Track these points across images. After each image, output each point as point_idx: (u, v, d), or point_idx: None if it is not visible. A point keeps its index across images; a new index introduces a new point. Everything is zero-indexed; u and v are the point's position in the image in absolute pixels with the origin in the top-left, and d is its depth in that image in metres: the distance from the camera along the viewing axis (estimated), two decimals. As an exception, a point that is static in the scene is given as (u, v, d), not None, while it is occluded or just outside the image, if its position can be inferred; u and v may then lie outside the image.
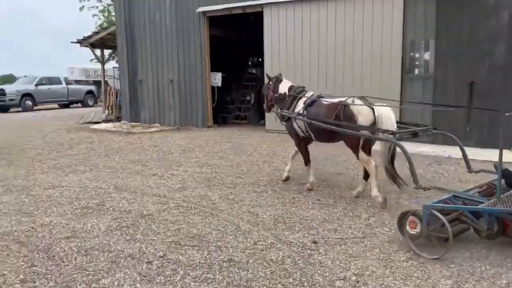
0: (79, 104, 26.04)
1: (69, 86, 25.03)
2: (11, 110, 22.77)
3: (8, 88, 22.51)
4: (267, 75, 7.08)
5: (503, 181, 4.15)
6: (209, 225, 4.70)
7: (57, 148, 10.02)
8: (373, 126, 5.12)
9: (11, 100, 22.04)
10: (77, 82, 26.95)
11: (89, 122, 15.74)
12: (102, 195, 5.95)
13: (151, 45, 14.50)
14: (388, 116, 5.12)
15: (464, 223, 4.00)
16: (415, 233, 3.91)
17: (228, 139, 10.95)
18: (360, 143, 5.22)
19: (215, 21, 13.49)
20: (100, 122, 15.81)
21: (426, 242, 3.90)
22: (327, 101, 5.61)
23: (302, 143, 6.17)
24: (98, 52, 19.55)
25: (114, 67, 17.60)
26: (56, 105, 25.30)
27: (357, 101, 5.29)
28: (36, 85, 23.15)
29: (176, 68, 14.05)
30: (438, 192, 4.81)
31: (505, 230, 3.91)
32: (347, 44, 10.77)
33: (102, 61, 19.57)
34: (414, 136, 5.13)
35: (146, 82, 14.84)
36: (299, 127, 5.96)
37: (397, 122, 5.30)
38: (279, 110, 6.24)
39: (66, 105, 25.52)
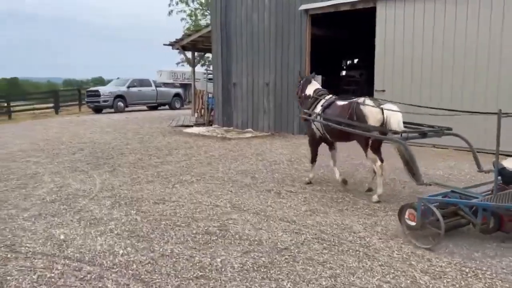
0: (167, 106, 26.30)
1: (158, 88, 25.33)
2: (104, 111, 23.45)
3: (102, 89, 23.17)
4: (300, 74, 7.61)
5: (502, 179, 4.36)
6: (371, 273, 3.57)
7: (157, 153, 9.52)
8: (382, 126, 5.35)
9: (104, 101, 22.65)
10: (165, 84, 27.29)
11: (181, 126, 15.40)
12: (221, 215, 5.08)
13: (247, 46, 13.77)
14: (395, 117, 5.32)
15: (462, 218, 4.25)
16: (412, 224, 4.24)
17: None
18: (369, 142, 5.54)
19: (316, 20, 12.40)
20: (192, 126, 15.41)
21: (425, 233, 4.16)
22: (341, 103, 5.99)
23: (315, 143, 6.65)
24: (188, 55, 19.33)
25: (206, 69, 17.13)
26: (145, 107, 25.77)
27: (368, 102, 5.55)
28: (128, 87, 23.63)
29: (272, 70, 13.18)
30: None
31: (502, 225, 4.18)
32: (483, 47, 9.10)
33: (193, 63, 19.36)
34: (423, 137, 5.25)
35: (240, 85, 14.15)
36: (317, 128, 6.40)
37: (410, 124, 5.56)
38: (304, 112, 6.56)
39: (154, 107, 25.89)
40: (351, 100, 5.79)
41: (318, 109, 6.30)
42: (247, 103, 14.00)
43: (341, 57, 18.28)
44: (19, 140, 11.73)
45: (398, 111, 5.37)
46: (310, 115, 6.42)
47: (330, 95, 6.46)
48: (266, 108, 13.47)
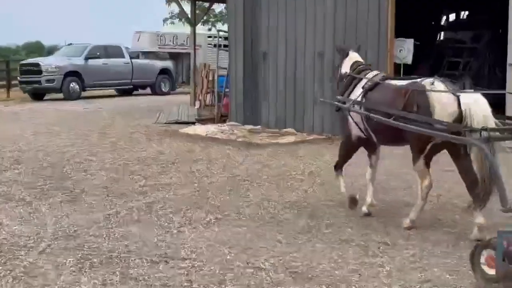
0: (148, 90, 26.12)
1: (134, 61, 25.13)
2: (48, 96, 23.38)
3: (45, 62, 23.09)
4: (336, 47, 8.30)
5: None
6: None
7: (142, 170, 9.20)
8: (458, 124, 5.53)
9: (48, 81, 22.52)
10: (146, 55, 27.12)
11: (176, 122, 15.12)
12: (272, 289, 4.65)
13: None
14: (479, 109, 5.41)
15: None
16: (491, 274, 4.31)
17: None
18: (428, 147, 5.83)
19: None
20: (193, 123, 15.11)
21: None
22: (394, 84, 6.29)
23: (351, 146, 6.92)
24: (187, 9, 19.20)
25: (218, 30, 16.92)
26: (113, 91, 25.62)
27: (439, 83, 5.78)
28: (86, 59, 23.49)
29: (329, 33, 12.81)
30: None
31: None
32: None
33: (194, 20, 19.09)
34: None
35: (275, 57, 13.80)
36: (356, 122, 6.55)
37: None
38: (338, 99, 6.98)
39: (128, 91, 25.69)
40: (411, 81, 6.15)
41: (358, 93, 6.58)
42: (286, 87, 13.71)
43: (438, 10, 17.83)
44: None
45: (484, 101, 5.50)
46: (344, 103, 6.73)
47: (376, 72, 6.81)
48: (317, 96, 13.02)
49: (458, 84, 6.18)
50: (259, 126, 13.97)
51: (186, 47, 26.98)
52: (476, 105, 5.44)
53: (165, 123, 15.16)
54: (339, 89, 7.15)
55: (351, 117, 6.60)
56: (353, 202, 6.76)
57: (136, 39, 27.38)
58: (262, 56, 14.07)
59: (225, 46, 17.59)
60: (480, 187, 5.44)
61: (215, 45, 27.81)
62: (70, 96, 22.65)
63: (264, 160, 10.00)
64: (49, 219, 6.52)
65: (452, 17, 17.52)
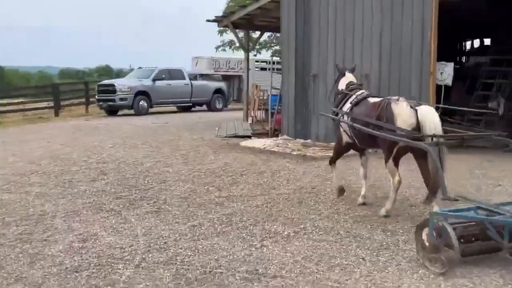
0: (204, 107, 25.59)
1: (193, 82, 24.64)
2: (120, 112, 22.99)
3: (119, 83, 22.69)
4: (336, 66, 8.30)
5: None
6: None
7: (215, 181, 8.53)
8: (415, 131, 5.95)
9: (122, 99, 22.13)
10: (203, 77, 26.63)
11: (235, 136, 14.43)
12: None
13: (335, 18, 12.66)
14: (431, 120, 5.90)
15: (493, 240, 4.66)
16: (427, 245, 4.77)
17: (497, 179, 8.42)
18: (394, 150, 6.19)
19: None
20: (249, 137, 14.41)
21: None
22: (373, 100, 6.69)
23: (342, 149, 7.41)
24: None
25: (272, 55, 16.19)
26: (174, 107, 25.17)
27: (402, 101, 6.24)
28: (154, 80, 23.04)
29: (375, 55, 11.99)
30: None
31: None
32: None
33: (247, 47, 18.49)
34: (462, 142, 6.24)
35: (324, 78, 13.00)
36: (344, 130, 7.06)
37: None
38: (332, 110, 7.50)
39: (187, 108, 25.22)
40: (383, 98, 6.63)
41: (347, 106, 7.04)
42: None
43: (461, 36, 16.93)
44: (12, 156, 11.09)
45: (435, 113, 6.08)
46: (337, 115, 7.18)
47: (362, 91, 7.20)
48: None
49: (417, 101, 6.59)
50: (310, 140, 13.19)
51: (236, 70, 26.46)
52: (429, 116, 5.97)
53: (225, 137, 14.48)
54: (335, 102, 7.57)
55: (341, 125, 7.13)
56: (341, 191, 7.34)
57: (194, 64, 26.91)
58: (312, 77, 13.28)
59: (277, 69, 16.95)
60: (431, 181, 5.87)
61: (261, 69, 27.38)
62: (140, 112, 22.21)
63: (323, 172, 9.20)
64: (139, 230, 5.91)
65: (486, 41, 16.73)
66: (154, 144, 12.95)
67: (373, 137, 6.29)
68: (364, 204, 6.98)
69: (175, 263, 4.87)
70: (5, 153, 11.53)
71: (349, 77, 7.59)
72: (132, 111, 22.42)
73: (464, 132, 6.43)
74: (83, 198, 7.39)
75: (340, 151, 7.53)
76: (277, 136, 14.30)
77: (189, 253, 5.14)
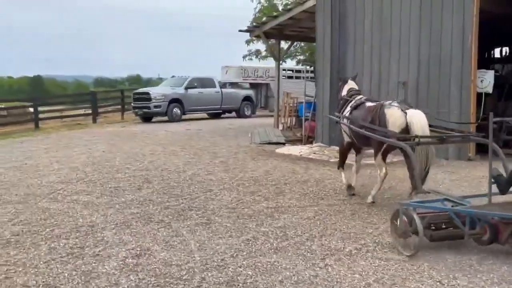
0: (233, 114, 25.05)
1: (223, 90, 24.12)
2: (154, 119, 22.56)
3: (154, 91, 22.24)
4: (339, 77, 9.15)
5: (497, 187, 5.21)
6: None
7: (260, 190, 7.92)
8: (404, 132, 6.37)
9: (156, 107, 21.68)
10: (232, 85, 26.09)
11: (268, 143, 13.81)
12: None
13: (372, 25, 12.02)
14: (419, 122, 6.31)
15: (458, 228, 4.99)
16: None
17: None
18: (382, 147, 6.61)
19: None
20: (283, 144, 13.79)
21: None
22: (369, 104, 7.13)
23: (345, 148, 7.78)
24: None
25: (305, 64, 15.63)
26: (204, 114, 24.68)
27: (394, 105, 6.66)
28: (186, 89, 22.56)
29: (414, 63, 11.31)
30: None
31: (498, 236, 4.81)
32: None
33: (278, 56, 17.91)
34: (441, 142, 6.35)
35: (360, 85, 12.29)
36: (344, 131, 7.57)
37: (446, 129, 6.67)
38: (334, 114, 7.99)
39: (216, 115, 24.71)
40: (378, 103, 6.97)
41: (347, 111, 7.42)
42: (370, 112, 12.16)
43: (491, 43, 16.18)
44: (56, 163, 10.62)
45: (423, 116, 6.40)
46: (339, 118, 7.59)
47: (361, 96, 7.57)
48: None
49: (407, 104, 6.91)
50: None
51: (264, 79, 25.85)
52: (416, 118, 6.33)
53: (260, 143, 13.88)
54: (338, 107, 7.98)
55: (342, 127, 7.58)
56: (350, 188, 7.58)
57: (224, 72, 26.36)
58: (347, 85, 12.62)
59: (311, 78, 16.32)
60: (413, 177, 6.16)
61: (288, 77, 26.73)
62: (173, 119, 21.75)
63: (367, 181, 8.51)
64: (193, 245, 5.33)
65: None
66: (192, 150, 12.39)
67: (367, 137, 6.72)
68: (353, 195, 7.49)
69: (238, 285, 4.27)
70: (49, 160, 11.06)
71: (350, 84, 7.97)
72: (165, 118, 22.01)
73: (444, 133, 6.51)
74: (131, 208, 6.83)
75: (344, 152, 7.88)
76: (310, 143, 13.66)
77: (250, 273, 4.54)
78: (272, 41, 18.75)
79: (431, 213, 5.16)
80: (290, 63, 31.88)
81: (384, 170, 6.78)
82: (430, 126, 6.43)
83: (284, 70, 26.70)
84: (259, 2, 29.07)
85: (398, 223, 5.08)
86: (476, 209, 4.99)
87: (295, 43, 31.35)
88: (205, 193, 7.75)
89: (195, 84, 23.02)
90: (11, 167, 10.16)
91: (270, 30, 17.19)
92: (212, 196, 7.56)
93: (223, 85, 25.29)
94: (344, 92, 7.89)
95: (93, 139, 15.46)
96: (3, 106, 27.63)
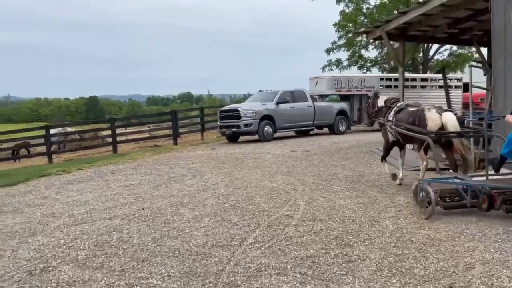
0: (324, 129, 22.07)
1: (316, 104, 21.20)
2: (241, 138, 19.89)
3: (243, 108, 19.50)
4: (374, 91, 10.90)
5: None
6: None
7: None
8: (441, 129, 8.11)
9: (247, 125, 18.94)
10: (322, 98, 23.15)
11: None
12: None
13: None
14: (451, 122, 8.09)
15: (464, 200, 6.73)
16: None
17: None
18: (424, 143, 8.07)
19: None
20: (444, 170, 10.61)
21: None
22: (411, 109, 8.79)
23: (390, 146, 9.47)
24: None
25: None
26: (290, 132, 21.75)
27: (432, 109, 8.39)
28: (277, 103, 19.77)
29: None
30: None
31: (493, 204, 6.42)
32: None
33: (403, 60, 14.84)
34: (459, 136, 8.25)
35: None
36: (389, 132, 9.22)
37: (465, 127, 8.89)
38: (379, 119, 9.73)
39: (305, 132, 21.71)
40: (418, 107, 8.73)
41: (391, 115, 9.14)
42: None
43: None
44: (180, 206, 7.91)
45: (454, 117, 8.29)
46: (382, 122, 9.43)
47: (402, 102, 9.59)
48: None
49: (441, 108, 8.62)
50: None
51: (360, 89, 22.74)
52: (450, 119, 8.13)
53: (415, 170, 10.75)
54: (375, 115, 9.94)
55: (387, 128, 9.27)
56: (394, 177, 9.09)
57: (313, 84, 23.35)
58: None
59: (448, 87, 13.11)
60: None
61: (385, 86, 23.61)
62: (265, 138, 18.97)
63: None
64: None
65: None
66: (341, 183, 9.45)
67: (409, 135, 8.47)
68: (400, 184, 8.91)
69: None
70: (168, 201, 8.38)
71: (383, 97, 9.92)
72: (250, 137, 19.32)
73: (466, 131, 8.60)
74: None
75: (388, 149, 9.52)
76: (483, 168, 10.45)
77: None
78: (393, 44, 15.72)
79: (448, 188, 6.93)
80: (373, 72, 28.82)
81: (425, 162, 8.28)
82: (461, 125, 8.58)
83: (381, 79, 23.76)
84: (346, 5, 26.19)
85: (418, 195, 6.88)
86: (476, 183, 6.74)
87: (381, 50, 28.37)
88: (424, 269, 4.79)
89: (287, 98, 20.19)
90: (125, 215, 7.51)
91: (392, 31, 14.20)
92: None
93: (315, 98, 22.37)
94: (380, 104, 9.75)
95: (194, 166, 12.80)
96: (73, 130, 25.72)
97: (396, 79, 23.85)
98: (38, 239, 6.35)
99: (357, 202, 7.70)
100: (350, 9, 26.78)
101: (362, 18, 26.78)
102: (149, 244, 5.91)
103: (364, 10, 27.16)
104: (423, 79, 24.50)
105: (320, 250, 5.37)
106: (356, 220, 6.60)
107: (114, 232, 6.47)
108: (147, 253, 5.54)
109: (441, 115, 8.05)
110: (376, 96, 9.97)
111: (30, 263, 5.38)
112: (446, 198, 6.78)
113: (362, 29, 14.88)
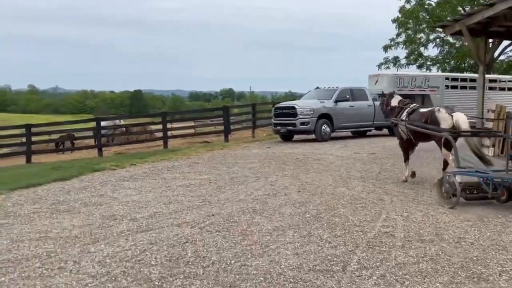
0: (384, 130, 20.78)
1: (376, 103, 19.91)
2: (296, 137, 18.88)
3: (300, 105, 18.47)
4: (382, 92, 11.99)
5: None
6: None
7: None
8: (453, 128, 8.51)
9: (303, 123, 17.90)
10: (380, 96, 21.81)
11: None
12: None
13: None
14: (462, 121, 8.61)
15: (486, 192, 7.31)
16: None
17: None
18: (442, 141, 8.56)
19: None
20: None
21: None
22: (422, 110, 9.51)
23: (405, 144, 9.92)
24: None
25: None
26: (347, 132, 20.60)
27: (442, 110, 8.94)
28: (336, 102, 18.65)
29: None
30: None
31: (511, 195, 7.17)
32: None
33: (484, 58, 13.48)
34: (475, 135, 9.46)
35: None
36: (402, 130, 9.74)
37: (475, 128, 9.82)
38: (392, 119, 10.35)
39: (362, 133, 20.53)
40: (430, 109, 9.40)
41: (404, 115, 9.65)
42: None
43: None
44: (254, 213, 6.97)
45: (465, 117, 8.79)
46: (396, 122, 9.94)
47: (414, 104, 10.19)
48: None
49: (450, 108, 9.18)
50: None
51: (423, 89, 21.37)
52: (460, 119, 8.60)
53: None
54: (391, 114, 10.42)
55: (400, 128, 9.76)
56: (413, 174, 9.58)
57: (373, 82, 22.10)
58: None
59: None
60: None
61: (451, 87, 22.14)
62: (322, 138, 17.89)
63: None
64: None
65: None
66: (428, 194, 8.31)
67: (424, 134, 9.05)
68: (406, 181, 9.64)
69: None
70: (240, 208, 7.44)
71: (398, 97, 10.63)
72: (305, 136, 18.28)
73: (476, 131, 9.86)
74: None
75: (405, 148, 10.00)
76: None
77: None
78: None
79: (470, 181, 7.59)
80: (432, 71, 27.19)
81: (451, 157, 8.47)
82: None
83: (447, 79, 22.27)
84: (407, 1, 24.77)
85: (443, 187, 7.42)
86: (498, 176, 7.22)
87: (443, 48, 26.75)
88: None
89: (346, 96, 19.04)
90: (195, 222, 6.60)
91: (473, 25, 12.90)
92: None
93: (375, 97, 21.04)
94: (394, 103, 10.34)
95: (254, 166, 11.86)
96: (122, 123, 25.30)
97: (463, 79, 22.38)
98: (102, 248, 5.51)
99: (463, 219, 6.56)
100: (411, 5, 25.29)
101: (424, 15, 25.25)
102: (232, 262, 4.96)
103: (426, 6, 25.62)
104: (491, 80, 22.85)
105: (449, 285, 4.29)
106: (475, 243, 5.49)
107: (187, 244, 5.57)
108: (233, 276, 4.60)
109: (452, 115, 8.61)
110: (391, 96, 10.65)
111: (96, 281, 4.53)
112: (467, 191, 7.42)
113: (440, 23, 13.50)
